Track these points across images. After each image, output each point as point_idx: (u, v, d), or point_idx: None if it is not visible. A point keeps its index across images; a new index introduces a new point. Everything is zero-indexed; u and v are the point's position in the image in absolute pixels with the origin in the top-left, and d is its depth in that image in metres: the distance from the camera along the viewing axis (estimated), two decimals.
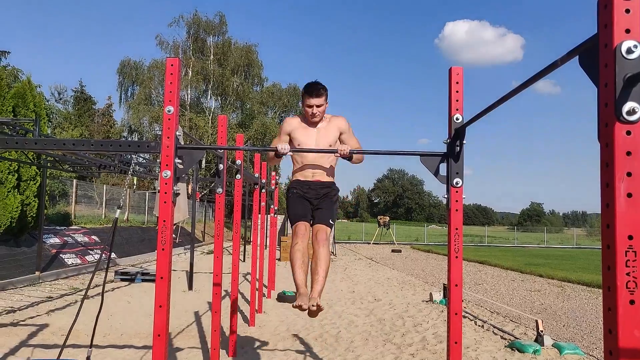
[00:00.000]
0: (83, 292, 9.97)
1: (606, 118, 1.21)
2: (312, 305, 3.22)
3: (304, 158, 3.81)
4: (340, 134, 3.81)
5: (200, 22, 37.55)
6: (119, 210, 3.02)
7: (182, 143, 2.95)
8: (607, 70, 1.21)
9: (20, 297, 9.09)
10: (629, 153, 1.17)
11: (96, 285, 10.43)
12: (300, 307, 3.23)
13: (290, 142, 3.83)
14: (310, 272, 3.56)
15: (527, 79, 1.79)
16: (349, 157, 3.55)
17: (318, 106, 3.71)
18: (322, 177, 3.82)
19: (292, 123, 3.87)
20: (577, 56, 1.42)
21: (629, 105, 1.17)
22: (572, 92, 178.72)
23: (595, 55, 1.28)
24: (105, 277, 3.05)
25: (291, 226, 3.80)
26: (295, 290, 3.55)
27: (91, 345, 2.84)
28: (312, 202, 3.80)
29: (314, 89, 3.70)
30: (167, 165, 2.74)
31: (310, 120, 3.80)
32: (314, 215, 3.80)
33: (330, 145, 3.75)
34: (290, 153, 3.59)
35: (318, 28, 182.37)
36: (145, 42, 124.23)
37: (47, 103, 32.19)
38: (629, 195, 1.16)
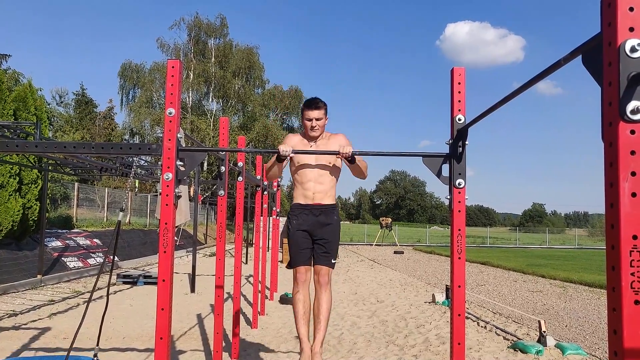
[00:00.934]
0: (85, 296, 9.97)
1: (610, 117, 1.20)
2: None
3: (304, 177, 3.88)
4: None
5: (202, 25, 37.57)
6: (121, 213, 3.01)
7: (184, 145, 2.94)
8: (610, 69, 1.20)
9: (22, 301, 9.09)
10: (633, 152, 1.16)
11: (99, 288, 10.43)
12: None
13: (291, 161, 3.92)
14: (313, 314, 3.74)
15: (530, 78, 1.78)
16: (350, 160, 3.57)
17: (317, 119, 3.83)
18: (323, 198, 3.88)
19: (293, 140, 3.98)
20: (581, 55, 1.41)
21: (633, 104, 1.16)
22: (573, 93, 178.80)
23: (599, 54, 1.27)
24: (110, 278, 3.05)
25: (291, 268, 3.87)
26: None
27: (98, 343, 2.84)
28: (312, 234, 3.85)
29: (313, 102, 3.86)
30: (168, 167, 2.74)
31: (309, 135, 3.90)
32: (315, 250, 3.85)
33: (330, 163, 3.84)
34: (292, 154, 3.61)
35: (320, 30, 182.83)
36: (146, 45, 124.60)
37: (48, 106, 32.27)
38: (634, 194, 1.16)
